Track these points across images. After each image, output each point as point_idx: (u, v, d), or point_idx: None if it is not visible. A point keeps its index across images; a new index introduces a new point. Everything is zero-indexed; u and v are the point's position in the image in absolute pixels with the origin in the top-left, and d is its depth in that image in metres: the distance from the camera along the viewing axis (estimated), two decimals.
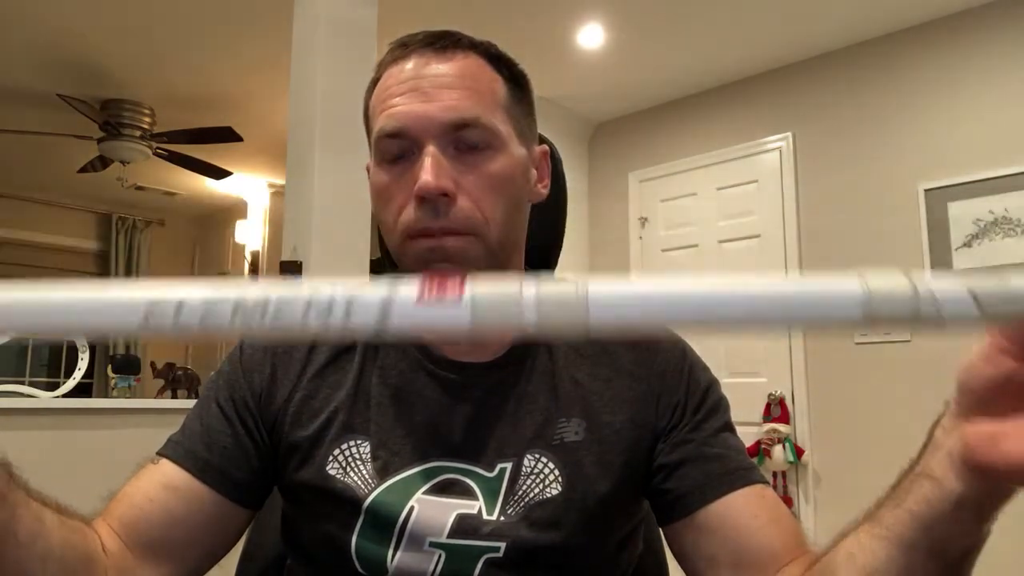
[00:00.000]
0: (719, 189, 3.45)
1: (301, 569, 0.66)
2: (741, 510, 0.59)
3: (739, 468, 0.62)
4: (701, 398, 0.66)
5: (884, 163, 2.97)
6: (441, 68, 0.61)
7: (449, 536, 0.59)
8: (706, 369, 0.70)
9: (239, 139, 3.77)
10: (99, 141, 3.82)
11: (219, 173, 4.25)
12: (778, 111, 3.31)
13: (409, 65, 0.62)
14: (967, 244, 2.71)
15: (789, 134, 3.25)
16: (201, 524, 0.61)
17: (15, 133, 3.87)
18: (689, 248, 3.52)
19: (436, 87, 0.60)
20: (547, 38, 3.09)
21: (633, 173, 3.77)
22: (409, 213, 0.60)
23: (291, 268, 2.41)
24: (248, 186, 5.13)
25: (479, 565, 0.59)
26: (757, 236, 3.31)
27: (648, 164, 3.72)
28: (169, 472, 0.62)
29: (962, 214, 2.74)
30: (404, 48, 0.63)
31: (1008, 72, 2.72)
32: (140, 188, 5.09)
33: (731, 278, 0.32)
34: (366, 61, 2.58)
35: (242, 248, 5.34)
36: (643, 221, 3.70)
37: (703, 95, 3.57)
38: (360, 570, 0.60)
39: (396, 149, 0.61)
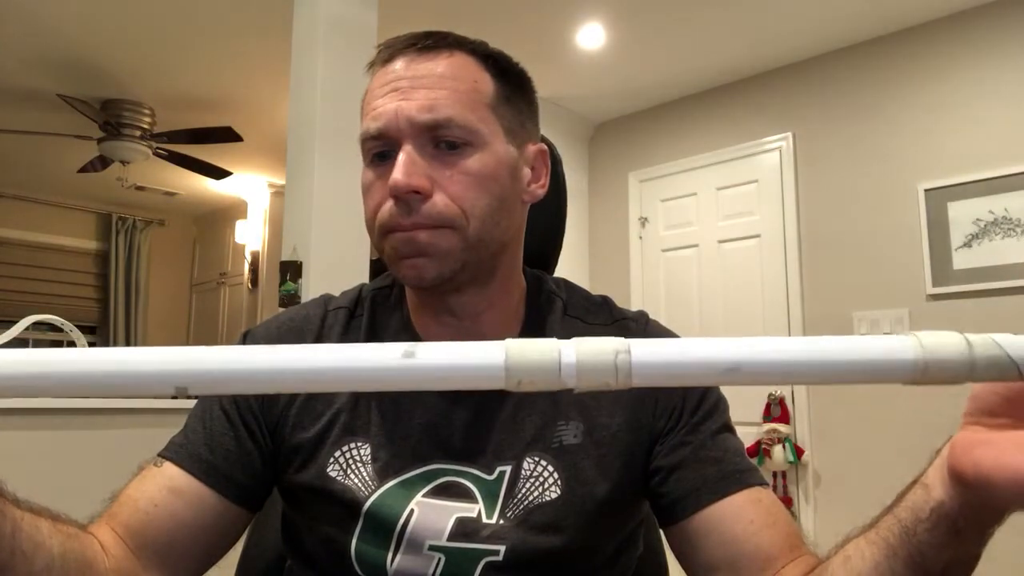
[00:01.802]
0: (719, 189, 3.45)
1: (301, 571, 0.66)
2: (736, 514, 0.59)
3: (736, 471, 0.61)
4: (699, 400, 0.65)
5: (884, 163, 2.97)
6: (423, 68, 0.62)
7: (449, 539, 0.59)
8: None
9: (239, 139, 3.77)
10: (99, 141, 3.82)
11: (219, 173, 4.25)
12: (778, 111, 3.31)
13: (394, 66, 0.63)
14: (967, 244, 2.71)
15: (789, 134, 3.25)
16: (204, 527, 0.61)
17: (15, 133, 3.87)
18: (689, 248, 3.52)
19: (415, 87, 0.61)
20: (547, 38, 3.09)
21: (633, 173, 3.77)
22: (385, 210, 0.61)
23: (291, 268, 2.41)
24: (248, 186, 5.14)
25: (479, 568, 0.59)
26: (757, 236, 3.31)
27: (648, 164, 3.72)
28: (173, 475, 0.61)
29: (962, 214, 2.74)
30: (388, 50, 0.64)
31: (1008, 73, 2.72)
32: (140, 188, 5.09)
33: (780, 340, 0.31)
34: (366, 61, 2.58)
35: (242, 248, 5.34)
36: (643, 221, 3.70)
37: (703, 95, 3.57)
38: (360, 573, 0.60)
39: (378, 149, 0.62)
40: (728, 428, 0.66)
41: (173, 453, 0.63)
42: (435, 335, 0.66)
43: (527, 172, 0.67)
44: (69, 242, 5.49)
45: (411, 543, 0.59)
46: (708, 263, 3.45)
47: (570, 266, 3.59)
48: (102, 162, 4.03)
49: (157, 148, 3.95)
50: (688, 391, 0.65)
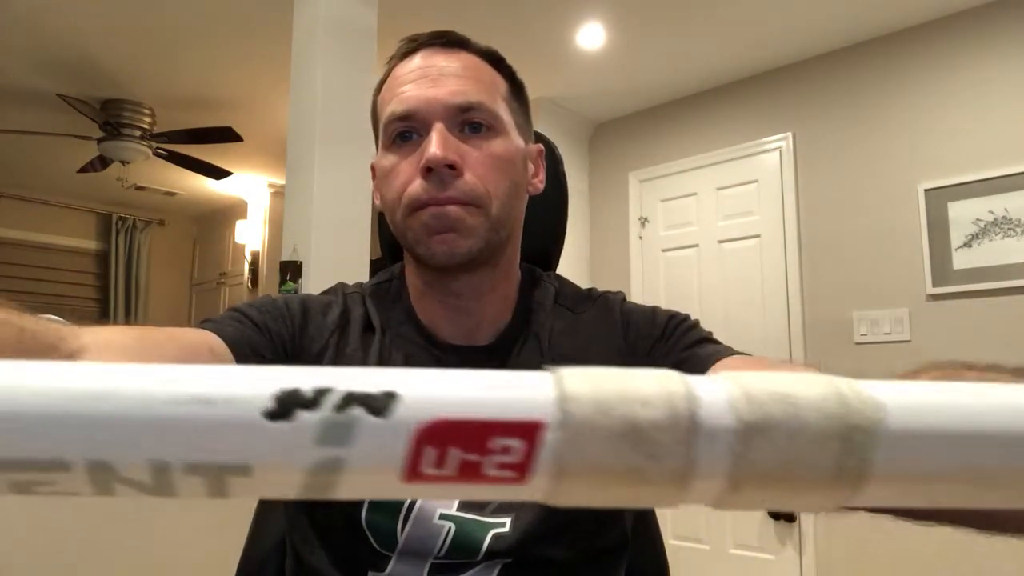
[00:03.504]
0: (719, 189, 3.45)
1: (314, 549, 0.67)
2: (737, 366, 0.61)
3: (724, 347, 0.65)
4: (672, 330, 0.70)
5: (884, 163, 2.97)
6: (447, 60, 0.66)
7: (458, 509, 0.62)
8: (662, 310, 0.75)
9: (239, 139, 3.77)
10: (99, 141, 3.82)
11: (219, 173, 4.25)
12: (778, 111, 3.31)
13: (417, 59, 0.67)
14: (967, 244, 2.71)
15: (789, 134, 3.25)
16: None
17: (15, 133, 3.87)
18: (689, 248, 3.52)
19: (443, 75, 0.65)
20: (547, 38, 3.09)
21: (633, 173, 3.77)
22: (415, 186, 0.63)
23: (291, 268, 2.41)
24: (248, 186, 5.13)
25: (487, 539, 0.61)
26: (757, 236, 3.31)
27: (648, 164, 3.72)
28: (214, 340, 0.59)
29: (962, 214, 2.74)
30: (412, 43, 0.68)
31: (1008, 72, 2.72)
32: (140, 188, 5.08)
33: None
34: (366, 61, 2.58)
35: (242, 248, 5.34)
36: (643, 221, 3.70)
37: (703, 95, 3.57)
38: (373, 543, 0.62)
39: (405, 131, 0.65)
40: (707, 340, 0.69)
41: (214, 325, 0.61)
42: (439, 318, 0.70)
43: (531, 166, 0.72)
44: (69, 242, 5.49)
45: (421, 514, 0.61)
46: (708, 263, 3.45)
47: (570, 266, 3.59)
48: (102, 162, 4.03)
49: (157, 148, 3.95)
50: (656, 324, 0.70)
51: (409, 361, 0.67)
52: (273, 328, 0.64)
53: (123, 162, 3.93)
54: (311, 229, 2.41)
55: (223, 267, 5.67)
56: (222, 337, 0.59)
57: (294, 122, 2.56)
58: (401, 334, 0.69)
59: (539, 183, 0.73)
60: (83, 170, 4.14)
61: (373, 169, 0.71)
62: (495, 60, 0.70)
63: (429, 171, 0.62)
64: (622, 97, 3.67)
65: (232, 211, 5.57)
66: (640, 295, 3.60)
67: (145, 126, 3.86)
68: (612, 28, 3.03)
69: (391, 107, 0.65)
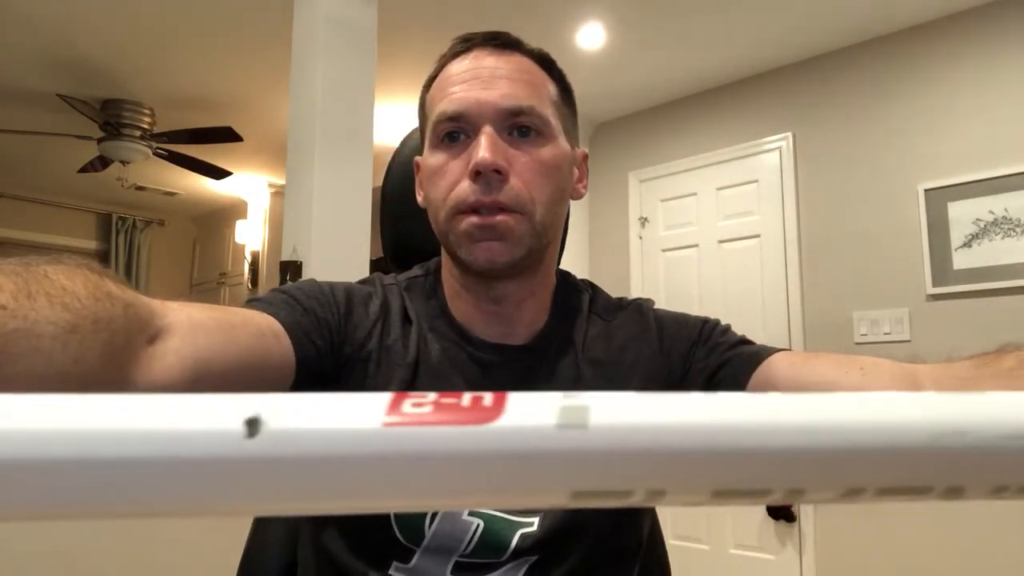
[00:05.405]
0: (719, 189, 3.45)
1: (336, 537, 0.66)
2: (785, 364, 0.62)
3: (763, 347, 0.67)
4: (708, 334, 0.71)
5: (884, 163, 2.97)
6: (498, 62, 0.66)
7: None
8: (693, 315, 0.76)
9: (239, 139, 3.77)
10: (99, 141, 3.82)
11: (219, 173, 4.25)
12: (778, 111, 3.31)
13: (469, 59, 0.67)
14: (967, 244, 2.71)
15: (789, 134, 3.25)
16: (264, 380, 0.54)
17: (15, 133, 3.87)
18: (689, 248, 3.52)
19: (495, 77, 0.65)
20: (547, 38, 3.08)
21: (633, 173, 3.77)
22: (463, 188, 0.63)
23: (291, 268, 2.42)
24: (248, 186, 5.14)
25: (515, 537, 0.62)
26: (757, 236, 3.31)
27: (648, 164, 3.72)
28: (276, 325, 0.57)
29: (962, 214, 2.74)
30: (466, 43, 0.68)
31: (1008, 72, 2.72)
32: (140, 188, 5.09)
33: None
34: (366, 61, 2.58)
35: (242, 248, 5.34)
36: (643, 221, 3.70)
37: (703, 95, 3.57)
38: (399, 536, 0.62)
39: (454, 131, 0.65)
40: (745, 342, 0.70)
41: (270, 308, 0.59)
42: (475, 319, 0.70)
43: (575, 171, 0.73)
44: (69, 242, 5.48)
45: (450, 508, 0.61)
46: (708, 263, 3.45)
47: (570, 266, 3.57)
48: (102, 162, 4.03)
49: (157, 148, 3.95)
50: (689, 332, 0.72)
51: (445, 355, 0.67)
52: (320, 315, 0.63)
53: (123, 162, 3.93)
54: (311, 229, 2.41)
55: (223, 267, 5.67)
56: (279, 321, 0.57)
57: (294, 122, 2.56)
58: (435, 328, 0.69)
59: (582, 188, 0.74)
60: (83, 170, 4.14)
61: (417, 165, 0.72)
62: (546, 63, 0.70)
63: (478, 174, 0.62)
64: (622, 97, 3.67)
65: (232, 211, 5.57)
66: (640, 295, 3.60)
67: (145, 126, 3.86)
68: (612, 28, 3.03)
69: (441, 106, 0.65)
